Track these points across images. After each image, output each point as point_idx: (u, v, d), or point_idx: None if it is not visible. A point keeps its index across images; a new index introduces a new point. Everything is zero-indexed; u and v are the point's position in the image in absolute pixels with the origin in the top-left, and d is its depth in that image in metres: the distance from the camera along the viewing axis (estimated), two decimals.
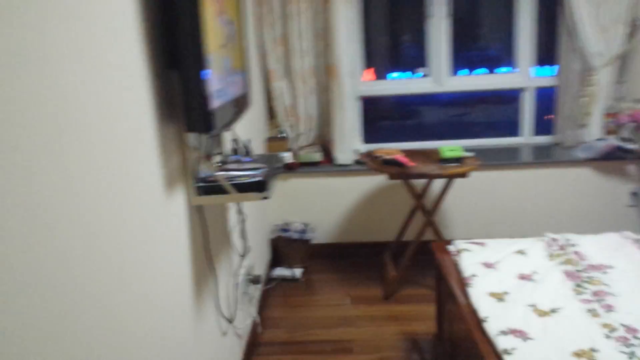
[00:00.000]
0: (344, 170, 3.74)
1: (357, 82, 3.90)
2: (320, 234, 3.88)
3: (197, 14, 1.54)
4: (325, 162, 3.79)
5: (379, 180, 3.75)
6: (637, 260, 2.30)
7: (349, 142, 3.71)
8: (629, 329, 1.80)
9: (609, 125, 3.75)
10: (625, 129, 3.68)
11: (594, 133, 3.74)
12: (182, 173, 1.76)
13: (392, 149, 3.36)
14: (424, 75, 4.04)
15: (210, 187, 1.78)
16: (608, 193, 3.72)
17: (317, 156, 3.73)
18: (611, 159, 3.64)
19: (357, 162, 3.76)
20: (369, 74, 4.08)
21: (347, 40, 3.57)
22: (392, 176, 3.11)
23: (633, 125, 3.61)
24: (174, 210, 1.66)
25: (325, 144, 3.86)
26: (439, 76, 3.96)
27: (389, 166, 3.13)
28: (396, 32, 4.40)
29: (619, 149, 3.59)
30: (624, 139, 3.67)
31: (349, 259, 3.87)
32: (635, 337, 1.75)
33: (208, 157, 1.91)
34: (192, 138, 1.81)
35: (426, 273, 3.55)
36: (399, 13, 4.41)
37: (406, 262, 3.30)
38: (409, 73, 4.20)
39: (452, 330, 2.41)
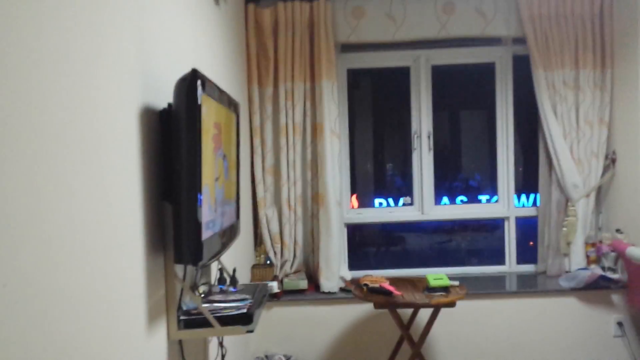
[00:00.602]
0: (330, 298, 3.69)
1: (344, 209, 3.99)
2: None
3: (196, 150, 1.62)
4: (310, 290, 3.75)
5: (365, 308, 3.70)
6: None
7: (335, 268, 3.71)
8: None
9: (590, 255, 3.82)
10: (606, 258, 3.74)
11: (576, 262, 3.79)
12: (164, 305, 1.74)
13: (378, 276, 3.35)
14: (408, 204, 4.16)
15: (192, 320, 1.75)
16: (594, 323, 3.69)
17: (303, 283, 3.71)
18: (595, 289, 3.65)
19: (343, 290, 3.73)
20: (354, 201, 4.19)
21: (335, 170, 3.72)
22: (378, 305, 3.08)
23: (614, 255, 3.67)
24: (153, 346, 1.62)
25: (310, 271, 3.86)
26: (423, 205, 4.08)
27: (375, 295, 3.11)
28: (381, 162, 4.60)
29: (603, 278, 3.62)
30: (606, 268, 3.72)
31: None
32: None
33: (193, 287, 1.90)
34: (178, 269, 1.82)
35: None
36: (384, 144, 4.65)
37: None
38: (392, 200, 4.33)
39: None
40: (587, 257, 3.82)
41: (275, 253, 3.76)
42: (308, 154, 3.78)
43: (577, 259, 3.79)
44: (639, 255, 3.25)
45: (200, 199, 1.64)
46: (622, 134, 3.82)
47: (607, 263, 3.74)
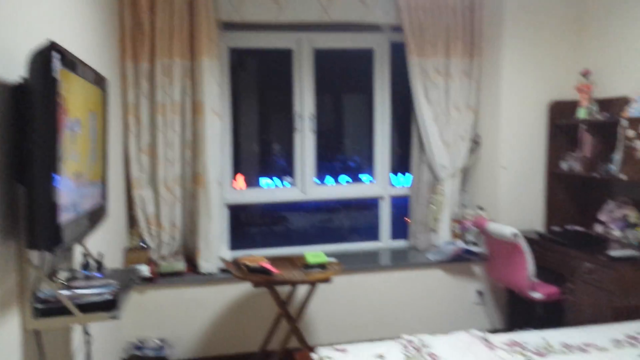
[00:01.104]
0: (208, 279, 3.66)
1: (225, 190, 3.96)
2: (181, 350, 3.67)
3: (51, 127, 1.53)
4: (189, 272, 3.69)
5: (243, 288, 3.71)
6: (484, 356, 2.46)
7: (215, 249, 3.69)
8: None
9: (455, 230, 4.12)
10: (469, 234, 4.07)
11: (443, 237, 4.08)
12: (17, 294, 1.63)
13: (257, 256, 3.38)
14: (291, 184, 4.22)
15: (49, 309, 1.66)
16: (457, 292, 4.01)
17: (179, 265, 3.63)
18: (459, 261, 3.96)
19: (223, 271, 3.71)
20: (239, 180, 4.17)
21: (215, 150, 3.66)
22: (257, 284, 3.11)
23: (476, 230, 4.00)
24: (3, 336, 1.52)
25: (189, 253, 3.79)
26: (304, 185, 4.15)
27: (254, 274, 3.13)
28: (268, 142, 4.61)
29: (466, 251, 3.94)
30: (469, 243, 4.04)
31: None
32: None
33: (52, 274, 1.80)
34: (35, 255, 1.71)
35: None
36: (269, 124, 4.66)
37: None
38: (278, 180, 4.37)
39: None
40: (453, 232, 4.12)
41: (151, 235, 3.65)
42: (188, 134, 3.68)
43: (443, 234, 4.08)
44: (498, 230, 3.55)
45: (57, 180, 1.55)
46: (486, 119, 4.13)
47: (470, 237, 4.07)
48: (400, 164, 4.50)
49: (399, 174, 4.49)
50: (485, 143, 4.16)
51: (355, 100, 4.85)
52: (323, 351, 2.59)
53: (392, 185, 4.35)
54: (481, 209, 4.07)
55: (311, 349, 2.67)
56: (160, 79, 3.58)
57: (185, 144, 3.69)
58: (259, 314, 3.73)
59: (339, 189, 4.36)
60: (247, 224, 4.62)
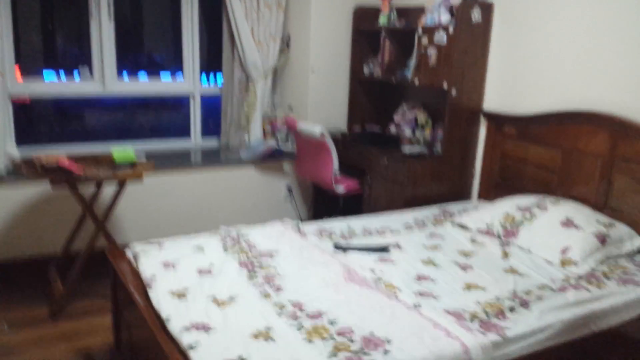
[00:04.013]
0: None
1: (8, 81, 3.41)
2: None
3: None
4: None
5: (41, 189, 3.34)
6: (296, 243, 2.62)
7: (1, 146, 3.21)
8: (296, 304, 2.02)
9: (267, 130, 4.19)
10: (280, 133, 4.17)
11: (255, 136, 4.12)
12: None
13: (54, 154, 3.03)
14: (86, 78, 3.78)
15: None
16: (269, 189, 4.16)
17: None
18: (270, 159, 4.07)
19: (12, 171, 3.27)
20: (18, 73, 3.59)
21: None
22: (56, 183, 2.81)
23: (286, 130, 4.11)
24: None
25: None
26: (104, 79, 3.77)
27: (52, 173, 2.82)
28: (52, 30, 4.00)
29: (277, 150, 4.05)
30: (279, 141, 4.15)
31: (5, 280, 3.33)
32: (301, 311, 1.98)
33: None
34: None
35: (102, 283, 3.30)
36: (53, 10, 4.04)
37: (76, 274, 3.02)
38: (64, 73, 3.86)
39: (132, 338, 2.31)
40: (264, 131, 4.18)
41: None
42: None
43: (255, 133, 4.11)
44: (307, 129, 3.69)
45: None
46: (296, 19, 4.14)
47: (280, 136, 4.18)
48: (210, 63, 4.33)
49: (210, 75, 4.32)
50: (295, 45, 4.20)
51: None
52: (138, 246, 2.50)
53: (202, 84, 4.19)
54: (291, 109, 4.17)
55: (123, 248, 2.55)
56: None
57: None
58: (61, 217, 3.42)
59: (146, 84, 4.05)
60: (37, 120, 4.07)
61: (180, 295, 2.08)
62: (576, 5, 2.95)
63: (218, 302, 2.03)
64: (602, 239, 2.54)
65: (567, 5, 3.00)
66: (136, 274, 2.31)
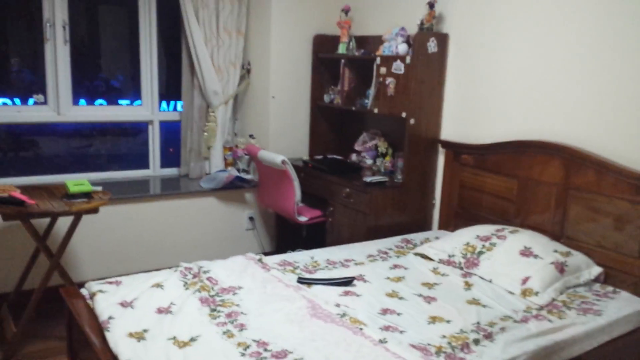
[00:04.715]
0: None
1: None
2: None
3: None
4: None
5: None
6: (260, 278, 2.57)
7: None
8: (260, 343, 1.98)
9: (227, 158, 4.14)
10: (241, 161, 4.13)
11: (215, 165, 4.06)
12: None
13: (5, 185, 2.91)
14: (40, 103, 3.67)
15: None
16: (230, 219, 4.09)
17: None
18: (232, 188, 4.01)
19: None
20: None
21: None
22: (8, 216, 2.69)
23: (247, 158, 4.07)
24: None
25: None
26: (59, 105, 3.67)
27: (4, 205, 2.69)
28: (4, 54, 3.87)
29: (238, 178, 4.00)
30: (241, 170, 4.11)
31: None
32: (266, 350, 1.93)
33: None
34: None
35: (58, 323, 3.16)
36: (9, 34, 3.91)
37: (29, 315, 2.88)
38: (19, 99, 3.73)
39: None
40: (225, 160, 4.13)
41: None
42: None
43: (216, 161, 4.06)
44: (268, 157, 3.66)
45: None
46: (256, 46, 4.15)
47: (241, 165, 4.14)
48: (168, 89, 4.26)
49: (170, 102, 4.26)
50: (255, 71, 4.20)
51: (113, 12, 4.34)
52: (94, 286, 2.40)
53: (161, 110, 4.12)
54: (252, 137, 4.15)
55: (79, 285, 2.44)
56: None
57: None
58: (12, 252, 3.26)
59: (103, 110, 3.95)
60: None
61: (139, 336, 2.00)
62: (529, 37, 3.05)
63: (179, 343, 1.96)
64: (561, 269, 2.60)
65: (520, 36, 3.09)
66: (93, 314, 2.21)
